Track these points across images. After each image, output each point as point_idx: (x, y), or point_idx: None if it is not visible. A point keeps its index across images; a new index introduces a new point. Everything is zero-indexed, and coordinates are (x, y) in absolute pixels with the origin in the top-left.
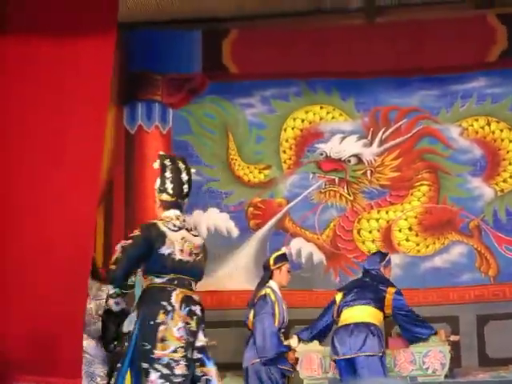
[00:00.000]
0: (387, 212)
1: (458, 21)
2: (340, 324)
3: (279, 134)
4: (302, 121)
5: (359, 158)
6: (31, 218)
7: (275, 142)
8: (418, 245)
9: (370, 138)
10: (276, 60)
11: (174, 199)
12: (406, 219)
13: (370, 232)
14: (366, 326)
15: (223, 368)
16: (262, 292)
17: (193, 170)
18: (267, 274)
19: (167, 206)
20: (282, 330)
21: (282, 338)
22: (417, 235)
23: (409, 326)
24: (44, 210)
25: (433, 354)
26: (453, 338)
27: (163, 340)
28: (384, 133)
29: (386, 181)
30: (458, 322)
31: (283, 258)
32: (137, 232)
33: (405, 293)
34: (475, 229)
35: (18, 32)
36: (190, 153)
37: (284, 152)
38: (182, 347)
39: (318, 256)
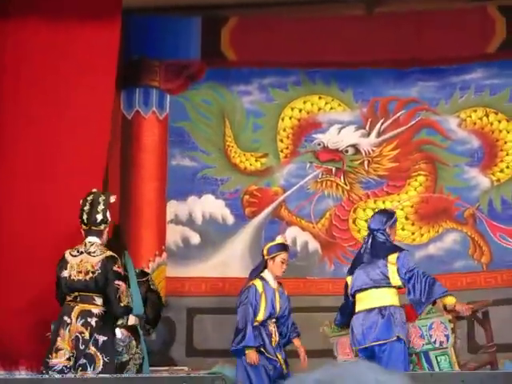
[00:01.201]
0: (384, 202)
1: (458, 12)
2: (356, 311)
3: (277, 123)
4: (300, 110)
5: (357, 149)
6: (33, 211)
7: (272, 131)
8: (413, 234)
9: (368, 128)
10: (275, 49)
11: (87, 228)
12: (402, 209)
13: (366, 221)
14: (378, 310)
15: (216, 355)
16: (250, 283)
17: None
18: (262, 264)
19: (85, 234)
20: (273, 320)
21: (272, 328)
22: (413, 224)
23: (413, 289)
24: (43, 202)
25: (436, 326)
26: (459, 306)
27: (58, 350)
28: (382, 123)
29: (383, 171)
30: None
31: (279, 248)
32: None
33: None
34: (470, 217)
35: (20, 17)
36: (187, 139)
37: (281, 141)
38: (73, 356)
39: (314, 245)
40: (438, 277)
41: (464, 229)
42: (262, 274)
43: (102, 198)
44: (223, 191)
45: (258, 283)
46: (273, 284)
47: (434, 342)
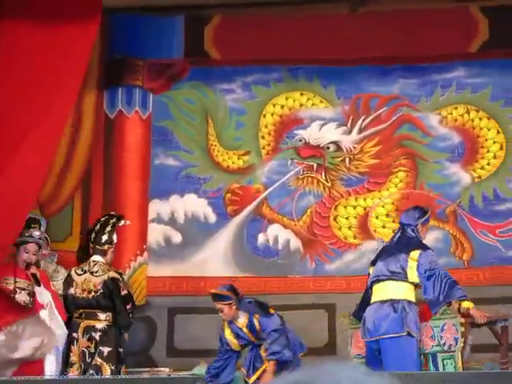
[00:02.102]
0: (365, 199)
1: (441, 12)
2: (371, 302)
3: (259, 120)
4: (282, 107)
5: (338, 145)
6: None
7: (254, 128)
8: (394, 231)
9: (349, 125)
10: (258, 47)
11: (93, 246)
12: (383, 206)
13: (347, 218)
14: (390, 303)
15: (197, 355)
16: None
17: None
18: None
19: (92, 252)
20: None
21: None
22: (394, 221)
23: (433, 287)
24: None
25: (447, 328)
26: (474, 311)
27: (72, 364)
28: (364, 120)
29: (364, 168)
30: None
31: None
32: None
33: None
34: (451, 214)
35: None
36: (170, 138)
37: (263, 138)
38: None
39: (295, 242)
40: None
41: (446, 227)
42: None
43: (112, 221)
44: (206, 190)
45: (225, 325)
46: (238, 322)
47: (444, 345)
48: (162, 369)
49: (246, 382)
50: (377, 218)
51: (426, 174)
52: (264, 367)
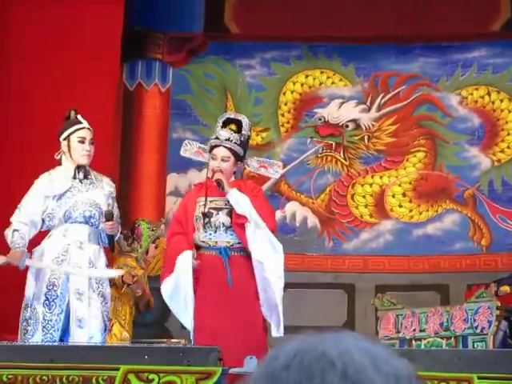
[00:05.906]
0: (381, 177)
1: None
2: None
3: (278, 97)
4: (302, 85)
5: (357, 124)
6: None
7: (274, 105)
8: (410, 211)
9: (368, 103)
10: (278, 23)
11: None
12: (399, 185)
13: (364, 197)
14: None
15: None
16: None
17: None
18: None
19: None
20: None
21: None
22: (410, 201)
23: None
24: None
25: (482, 311)
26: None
27: None
28: (383, 98)
29: (381, 146)
30: (448, 290)
31: None
32: None
33: (395, 259)
34: (470, 198)
35: None
36: (188, 112)
37: (282, 115)
38: None
39: (313, 220)
40: (437, 257)
41: (464, 210)
42: None
43: None
44: None
45: None
46: None
47: (476, 328)
48: (178, 340)
49: None
50: (393, 196)
51: (445, 156)
52: None
